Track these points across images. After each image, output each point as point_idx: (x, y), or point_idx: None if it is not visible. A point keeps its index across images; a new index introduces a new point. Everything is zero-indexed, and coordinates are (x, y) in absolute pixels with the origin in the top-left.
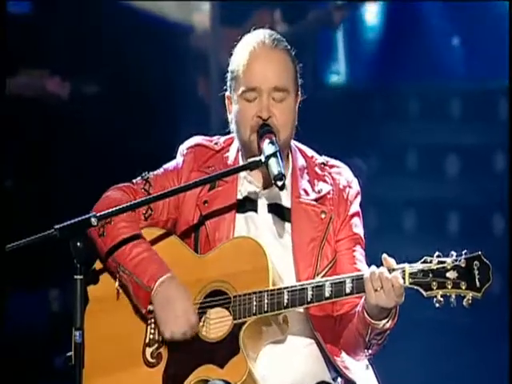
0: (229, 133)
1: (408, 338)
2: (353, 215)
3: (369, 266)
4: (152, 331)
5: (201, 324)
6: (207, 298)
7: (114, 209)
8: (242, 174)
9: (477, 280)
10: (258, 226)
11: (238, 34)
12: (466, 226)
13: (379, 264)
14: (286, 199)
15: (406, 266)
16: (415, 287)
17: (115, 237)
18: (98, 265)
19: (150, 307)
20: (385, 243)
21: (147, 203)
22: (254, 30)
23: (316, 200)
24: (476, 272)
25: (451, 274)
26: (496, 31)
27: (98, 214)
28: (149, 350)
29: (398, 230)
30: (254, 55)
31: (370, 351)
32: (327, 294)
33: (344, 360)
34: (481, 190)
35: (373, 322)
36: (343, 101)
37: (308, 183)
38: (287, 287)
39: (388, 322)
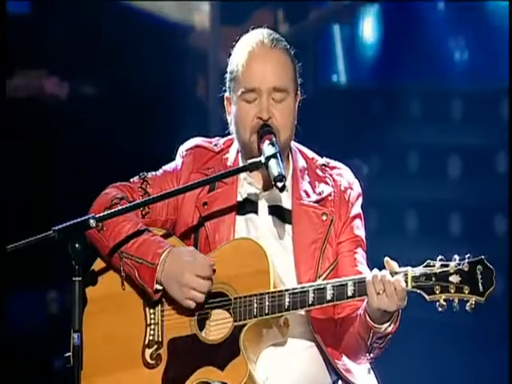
0: (228, 134)
1: (410, 341)
2: (354, 217)
3: (370, 268)
4: (151, 332)
5: (201, 326)
6: (207, 300)
7: (112, 210)
8: (242, 175)
9: (480, 284)
10: (258, 227)
11: (238, 33)
12: (467, 228)
13: (381, 266)
14: (286, 201)
15: (409, 269)
16: (418, 291)
17: (115, 228)
18: (96, 266)
19: (158, 286)
20: (386, 245)
21: (146, 204)
22: (253, 29)
23: (317, 202)
24: (479, 276)
25: (454, 278)
26: (498, 31)
27: (96, 216)
28: (148, 351)
29: (399, 232)
30: (253, 55)
31: (371, 355)
32: (329, 297)
33: (345, 363)
34: (483, 192)
35: (375, 325)
36: (344, 102)
37: (309, 185)
38: (288, 290)
39: (390, 325)
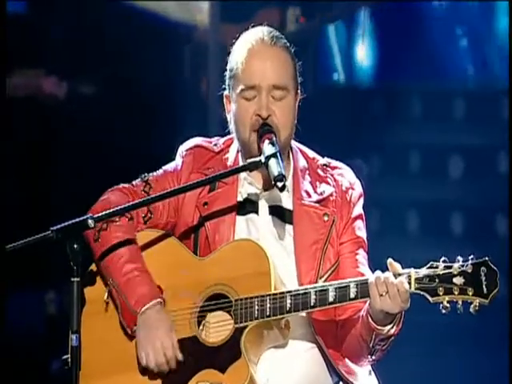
0: (228, 133)
1: (410, 342)
2: (356, 218)
3: (371, 268)
4: None
5: (201, 328)
6: (208, 302)
7: (111, 210)
8: (242, 175)
9: (484, 286)
10: (258, 228)
11: (239, 31)
12: (469, 228)
13: (382, 266)
14: (287, 201)
15: (412, 271)
16: (421, 293)
17: (109, 246)
18: (94, 266)
19: (135, 328)
20: (388, 245)
21: (145, 204)
22: (253, 27)
23: (318, 202)
24: (483, 278)
25: (458, 280)
26: (499, 31)
27: (95, 216)
28: None
29: (400, 232)
30: (253, 52)
31: (373, 357)
32: (331, 299)
33: (346, 365)
34: (484, 192)
35: (377, 327)
36: (345, 101)
37: (310, 185)
38: (290, 291)
39: (393, 327)
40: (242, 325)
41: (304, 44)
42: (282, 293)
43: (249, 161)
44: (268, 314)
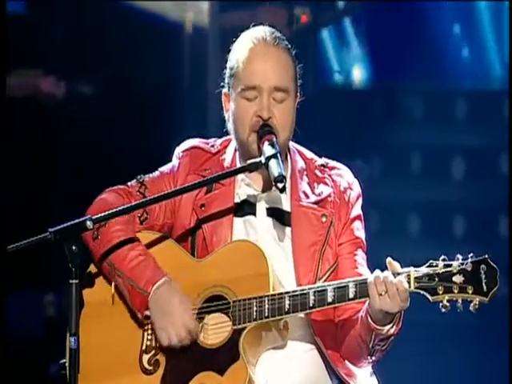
0: (226, 133)
1: (411, 343)
2: (354, 218)
3: (371, 270)
4: (149, 337)
5: (199, 330)
6: (206, 303)
7: (109, 212)
8: (240, 176)
9: (484, 284)
10: (257, 230)
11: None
12: (471, 230)
13: (383, 268)
14: (285, 202)
15: (412, 269)
16: (421, 292)
17: (110, 240)
18: (93, 268)
19: (147, 312)
20: (388, 247)
21: (143, 206)
22: (254, 26)
23: (316, 203)
24: (483, 276)
25: (457, 278)
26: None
27: (93, 217)
28: (146, 357)
29: (401, 234)
30: (255, 52)
31: (373, 358)
32: (330, 299)
33: (346, 367)
34: (486, 193)
35: (377, 327)
36: (346, 102)
37: (308, 186)
38: (288, 292)
39: (392, 327)
40: (240, 326)
41: (305, 44)
42: (281, 293)
43: (249, 161)
44: (267, 315)
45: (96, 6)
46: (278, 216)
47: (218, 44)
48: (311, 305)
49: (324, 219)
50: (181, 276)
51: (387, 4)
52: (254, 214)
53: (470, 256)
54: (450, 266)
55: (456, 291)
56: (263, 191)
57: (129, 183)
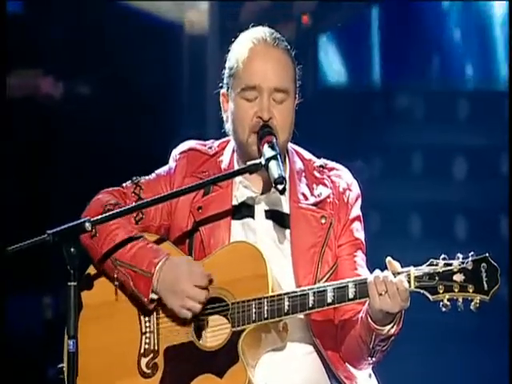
0: (225, 133)
1: (411, 343)
2: (354, 219)
3: (371, 271)
4: (147, 340)
5: (197, 333)
6: (204, 306)
7: (107, 214)
8: (238, 178)
9: (484, 283)
10: (255, 232)
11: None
12: (472, 230)
13: (384, 270)
14: (284, 204)
15: (412, 269)
16: (421, 291)
17: (108, 235)
18: (91, 270)
19: (153, 296)
20: (389, 248)
21: (140, 208)
22: (253, 26)
23: (315, 204)
24: (484, 274)
25: (458, 277)
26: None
27: (92, 219)
28: (144, 360)
29: (402, 235)
30: (255, 52)
31: (373, 359)
32: (329, 300)
33: (346, 369)
34: (488, 193)
35: (377, 327)
36: (346, 102)
37: (307, 187)
38: (288, 293)
39: (393, 327)
40: (239, 328)
41: (305, 44)
42: (280, 294)
43: (249, 163)
44: (266, 316)
45: (95, 6)
46: (277, 218)
47: (218, 44)
48: (311, 305)
49: (323, 221)
50: None
51: (387, 4)
52: (253, 217)
53: (470, 255)
54: (451, 264)
55: (457, 290)
56: (262, 193)
57: (124, 184)
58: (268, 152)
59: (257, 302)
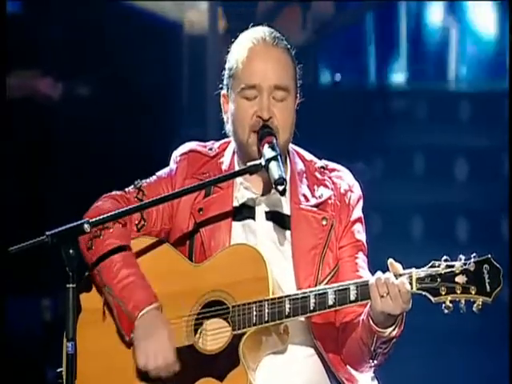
0: (225, 133)
1: (413, 346)
2: (355, 221)
3: (373, 273)
4: None
5: (198, 336)
6: (204, 309)
7: (106, 215)
8: (239, 179)
9: (487, 284)
10: (256, 234)
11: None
12: (474, 231)
13: (386, 271)
14: (285, 206)
15: (413, 270)
16: (423, 293)
17: (102, 252)
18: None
19: (133, 335)
20: (391, 250)
21: (139, 210)
22: (252, 26)
23: (316, 206)
24: (486, 276)
25: (460, 279)
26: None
27: (90, 221)
28: None
29: (404, 237)
30: (254, 52)
31: (375, 361)
32: (331, 302)
33: (347, 372)
34: (490, 194)
35: (378, 329)
36: (348, 103)
37: (308, 188)
38: (288, 296)
39: (394, 329)
40: (239, 331)
41: (306, 45)
42: (281, 297)
43: (249, 164)
44: (267, 319)
45: (95, 6)
46: (278, 219)
47: (217, 44)
48: (312, 308)
49: (324, 222)
50: (178, 281)
51: (388, 4)
52: (253, 218)
53: (472, 256)
54: (453, 266)
55: (459, 292)
56: (262, 194)
57: (126, 189)
58: (268, 153)
59: (258, 304)
